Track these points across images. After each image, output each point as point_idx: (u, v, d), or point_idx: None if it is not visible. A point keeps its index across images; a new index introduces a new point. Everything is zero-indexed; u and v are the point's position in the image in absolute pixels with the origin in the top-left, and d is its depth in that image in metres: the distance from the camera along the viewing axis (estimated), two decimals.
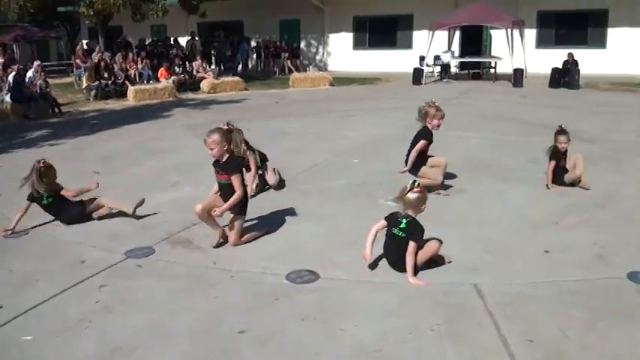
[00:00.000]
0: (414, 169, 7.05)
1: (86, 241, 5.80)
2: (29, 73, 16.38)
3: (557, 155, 7.23)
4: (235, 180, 5.34)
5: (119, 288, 4.73)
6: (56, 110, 15.53)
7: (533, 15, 23.06)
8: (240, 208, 5.53)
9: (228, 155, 5.43)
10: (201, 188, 7.22)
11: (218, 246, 5.53)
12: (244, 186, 5.48)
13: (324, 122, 12.83)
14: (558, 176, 7.24)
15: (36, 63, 17.00)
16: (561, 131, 7.20)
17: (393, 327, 4.02)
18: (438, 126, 6.96)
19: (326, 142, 10.54)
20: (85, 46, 23.78)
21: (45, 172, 6.19)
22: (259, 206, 6.74)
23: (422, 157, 7.04)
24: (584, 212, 6.38)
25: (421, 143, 6.98)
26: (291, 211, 6.57)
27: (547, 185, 7.26)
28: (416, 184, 4.88)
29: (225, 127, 5.94)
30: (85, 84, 18.26)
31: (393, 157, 8.68)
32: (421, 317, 4.13)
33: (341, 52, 27.01)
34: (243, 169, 5.93)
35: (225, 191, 5.45)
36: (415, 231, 4.80)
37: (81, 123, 13.78)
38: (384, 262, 5.08)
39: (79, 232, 6.09)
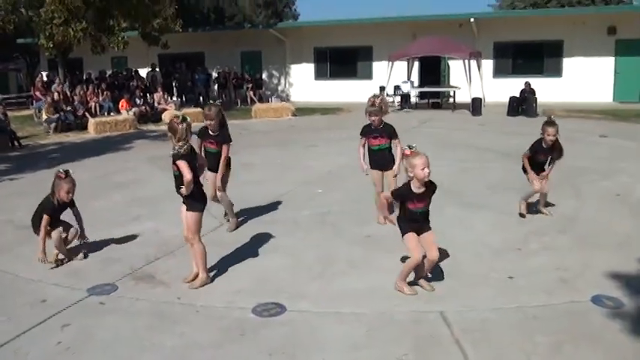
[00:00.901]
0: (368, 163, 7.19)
1: (47, 279, 5.65)
2: None
3: (540, 148, 6.93)
4: (181, 165, 5.26)
5: (82, 327, 4.61)
6: (16, 144, 15.25)
7: (489, 46, 23.65)
8: (191, 204, 5.32)
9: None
10: (163, 222, 7.15)
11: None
12: (191, 174, 5.23)
13: (288, 152, 12.86)
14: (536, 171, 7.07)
15: None
16: (550, 122, 6.85)
17: (362, 359, 4.01)
18: (373, 120, 7.13)
19: (290, 172, 10.55)
20: (45, 78, 23.47)
21: (56, 183, 6.05)
22: (223, 238, 6.69)
23: (368, 151, 7.21)
24: (546, 237, 6.50)
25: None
26: (256, 243, 6.53)
27: (528, 178, 7.08)
28: (405, 145, 5.06)
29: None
30: (44, 116, 17.98)
31: (355, 186, 8.73)
32: (389, 347, 4.13)
33: (303, 82, 27.20)
34: None
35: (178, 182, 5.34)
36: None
37: (41, 156, 13.52)
38: (352, 292, 5.08)
39: (40, 268, 5.90)
